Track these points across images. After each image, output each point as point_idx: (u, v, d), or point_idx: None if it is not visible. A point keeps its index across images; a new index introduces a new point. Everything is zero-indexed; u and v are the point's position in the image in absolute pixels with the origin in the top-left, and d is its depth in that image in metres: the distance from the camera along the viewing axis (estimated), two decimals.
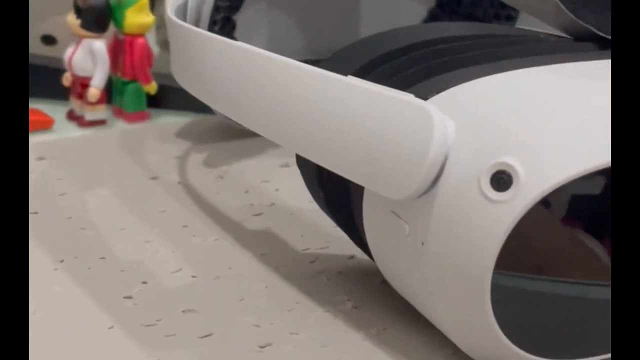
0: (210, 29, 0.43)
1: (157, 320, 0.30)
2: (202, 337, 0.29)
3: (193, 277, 0.33)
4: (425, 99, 0.27)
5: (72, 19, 0.50)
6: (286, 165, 0.44)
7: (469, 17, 0.51)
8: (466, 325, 0.26)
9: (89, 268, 0.33)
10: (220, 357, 0.28)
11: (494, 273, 0.24)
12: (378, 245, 0.29)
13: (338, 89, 0.28)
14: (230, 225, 0.38)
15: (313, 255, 0.35)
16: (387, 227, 0.28)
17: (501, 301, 0.25)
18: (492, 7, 0.51)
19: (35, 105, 0.51)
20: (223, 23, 0.44)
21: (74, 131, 0.50)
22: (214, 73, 0.34)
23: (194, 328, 0.29)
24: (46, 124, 0.50)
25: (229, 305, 0.31)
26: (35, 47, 0.57)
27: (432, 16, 0.53)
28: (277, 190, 0.42)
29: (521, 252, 0.25)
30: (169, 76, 0.56)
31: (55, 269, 0.33)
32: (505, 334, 0.25)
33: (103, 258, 0.34)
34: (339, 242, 0.35)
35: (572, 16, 0.31)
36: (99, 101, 0.50)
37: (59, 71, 0.55)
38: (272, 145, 0.46)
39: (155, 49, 0.54)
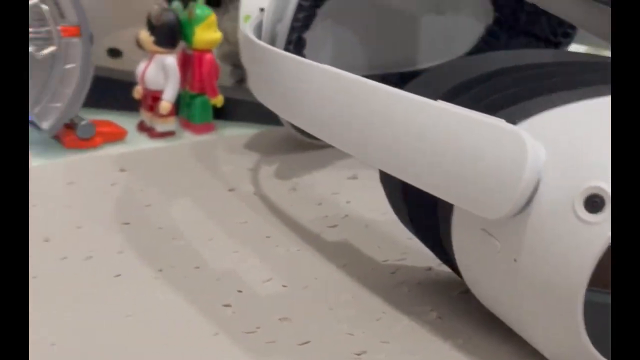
0: (286, 48, 0.45)
1: (256, 328, 0.32)
2: (300, 345, 0.31)
3: (283, 286, 0.35)
4: (514, 123, 0.29)
5: (146, 36, 0.52)
6: (354, 178, 0.47)
7: (527, 34, 0.53)
8: (557, 339, 0.28)
9: (186, 277, 0.36)
10: None
11: (586, 290, 0.26)
12: (467, 260, 0.31)
13: (429, 113, 0.30)
14: (309, 237, 0.40)
15: (392, 267, 0.37)
16: (478, 243, 0.29)
17: (592, 316, 0.27)
18: (550, 24, 0.53)
19: (107, 117, 0.54)
20: (296, 41, 0.46)
21: (145, 142, 0.52)
22: (300, 93, 0.36)
23: (292, 335, 0.32)
24: (120, 135, 0.52)
25: (320, 314, 0.33)
26: (102, 59, 0.59)
27: (490, 33, 0.55)
28: (348, 202, 0.44)
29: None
30: (233, 89, 0.59)
31: (156, 278, 0.35)
32: (596, 348, 0.27)
33: (197, 267, 0.36)
34: (416, 254, 0.37)
35: None
36: (169, 114, 0.53)
37: (125, 83, 0.57)
38: (338, 157, 0.48)
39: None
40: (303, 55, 0.47)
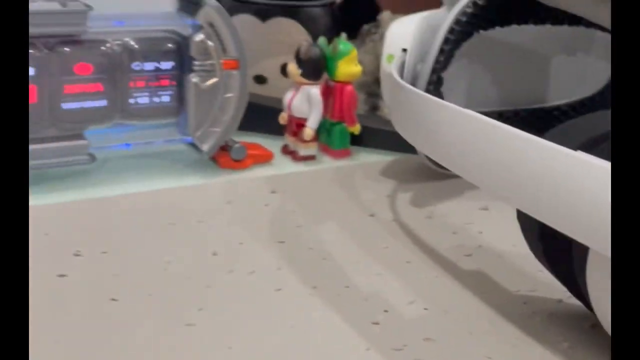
0: (427, 88, 0.49)
1: (403, 345, 0.36)
2: None
3: (425, 309, 0.39)
4: None
5: (294, 68, 0.57)
6: (485, 209, 0.50)
7: None
8: None
9: (338, 295, 0.40)
10: None
11: None
12: (600, 295, 0.34)
13: (569, 162, 0.33)
14: (446, 264, 0.44)
15: (524, 297, 0.40)
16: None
17: None
18: None
19: (255, 140, 0.59)
20: (436, 81, 0.50)
21: (290, 165, 0.57)
22: (440, 133, 0.40)
23: (436, 355, 0.35)
24: (267, 158, 0.57)
25: (461, 337, 0.37)
26: (249, 85, 0.65)
27: None
28: (480, 232, 0.47)
29: None
30: (368, 117, 0.63)
31: (311, 294, 0.40)
32: None
33: (347, 287, 0.41)
34: (546, 286, 0.40)
35: None
36: (312, 139, 0.58)
37: (268, 108, 0.62)
38: (470, 188, 0.52)
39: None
40: (441, 93, 0.51)
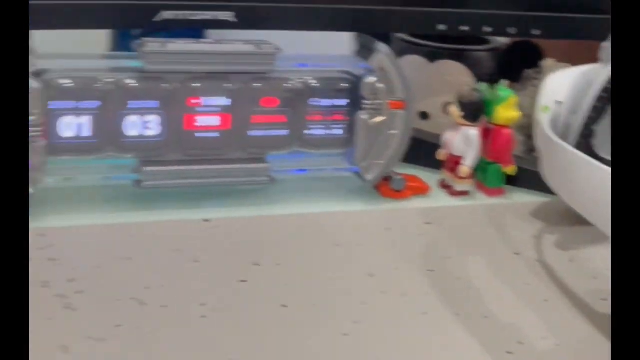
0: (579, 141, 0.53)
1: None
2: None
3: (556, 345, 0.43)
4: None
5: (455, 110, 0.62)
6: None
7: None
8: None
9: (477, 323, 0.45)
10: None
11: None
12: None
13: None
14: (583, 306, 0.47)
15: None
16: None
17: None
18: None
19: (415, 172, 0.64)
20: (588, 134, 0.53)
21: (445, 199, 0.62)
22: (586, 190, 0.43)
23: None
24: (425, 190, 0.63)
25: None
26: (414, 121, 0.70)
27: None
28: None
29: None
30: (524, 158, 0.67)
31: (452, 320, 0.45)
32: None
33: (486, 317, 0.45)
34: None
35: None
36: (468, 177, 0.62)
37: (429, 143, 0.67)
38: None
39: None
40: (592, 145, 0.54)
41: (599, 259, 0.53)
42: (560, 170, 0.48)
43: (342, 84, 0.59)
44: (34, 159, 0.52)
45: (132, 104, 0.55)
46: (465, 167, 0.62)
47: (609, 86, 0.53)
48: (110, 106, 0.54)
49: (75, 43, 0.59)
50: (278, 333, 0.42)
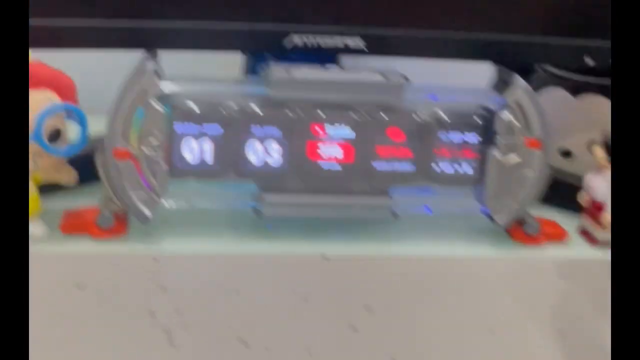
0: None
1: None
2: None
3: None
4: None
5: (600, 152, 0.57)
6: None
7: None
8: None
9: None
10: None
11: None
12: None
13: None
14: None
15: None
16: None
17: None
18: None
19: (551, 213, 0.59)
20: None
21: (584, 248, 0.57)
22: None
23: None
24: (561, 237, 0.57)
25: None
26: (554, 158, 0.65)
27: None
28: None
29: None
30: None
31: None
32: None
33: None
34: None
35: None
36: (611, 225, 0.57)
37: (570, 184, 0.62)
38: None
39: None
40: None
41: None
42: None
43: (473, 118, 0.56)
44: (155, 181, 0.52)
45: (255, 130, 0.54)
46: (609, 215, 0.56)
47: None
48: (233, 131, 0.53)
49: (212, 66, 0.59)
50: None
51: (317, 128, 0.54)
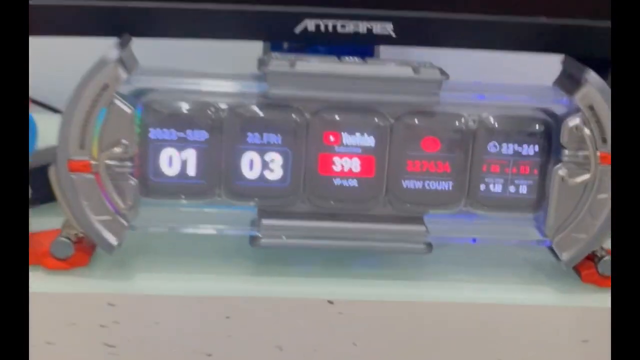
0: None
1: None
2: None
3: None
4: None
5: None
6: None
7: None
8: None
9: None
10: None
11: None
12: None
13: None
14: None
15: None
16: None
17: None
18: None
19: None
20: None
21: None
22: None
23: None
24: None
25: None
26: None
27: None
28: None
29: None
30: None
31: None
32: None
33: None
34: None
35: None
36: None
37: None
38: None
39: None
40: None
41: None
42: None
43: (532, 126, 0.47)
44: (121, 201, 0.43)
45: (252, 137, 0.46)
46: None
47: None
48: (223, 139, 0.45)
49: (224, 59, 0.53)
50: None
51: (330, 136, 0.46)
